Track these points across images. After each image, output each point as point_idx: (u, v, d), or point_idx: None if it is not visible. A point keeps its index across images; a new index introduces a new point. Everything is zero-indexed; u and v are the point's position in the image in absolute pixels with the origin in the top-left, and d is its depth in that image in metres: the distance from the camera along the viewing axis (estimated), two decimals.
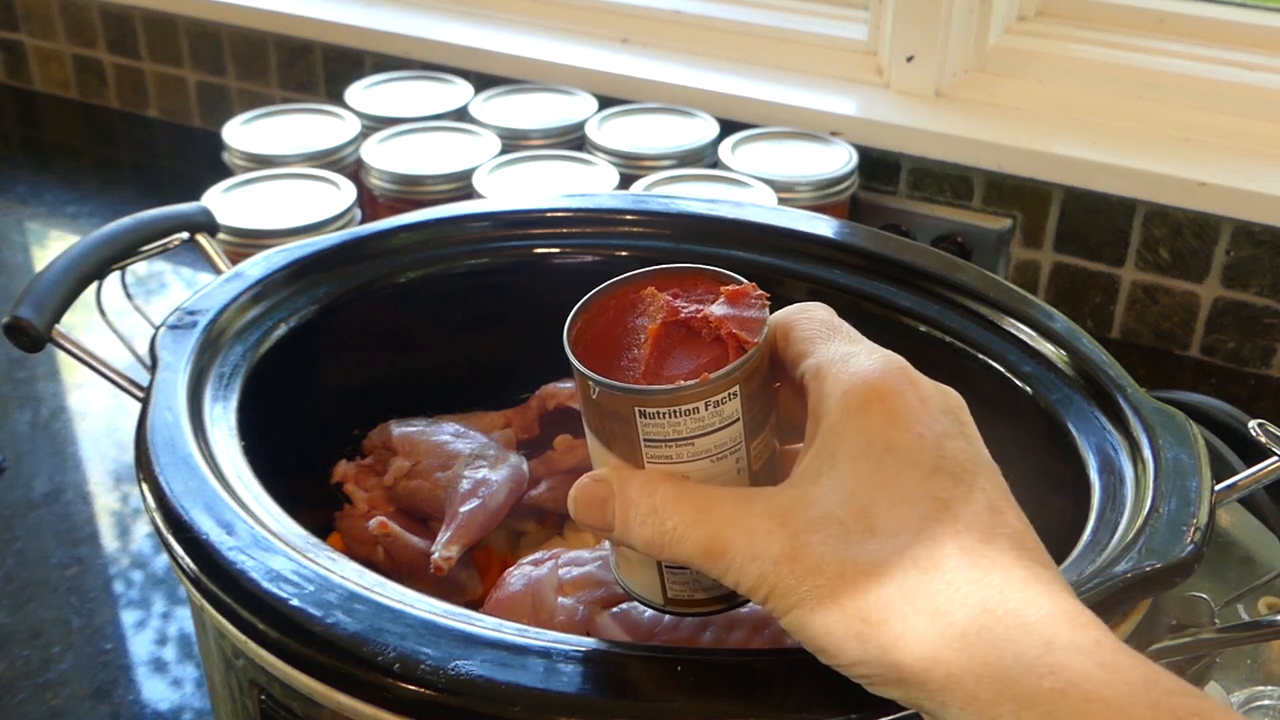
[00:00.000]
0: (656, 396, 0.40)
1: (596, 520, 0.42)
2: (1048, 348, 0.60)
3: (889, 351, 0.42)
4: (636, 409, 0.40)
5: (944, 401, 0.41)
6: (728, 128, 1.09)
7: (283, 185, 1.01)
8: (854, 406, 0.39)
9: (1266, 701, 0.64)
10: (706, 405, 0.40)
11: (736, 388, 0.41)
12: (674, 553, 0.41)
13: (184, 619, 0.80)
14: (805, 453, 0.41)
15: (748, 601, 0.43)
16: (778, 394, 0.44)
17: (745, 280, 0.43)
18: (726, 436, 0.41)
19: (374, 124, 1.11)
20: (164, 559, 0.84)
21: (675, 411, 0.40)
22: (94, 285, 0.64)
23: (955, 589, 0.37)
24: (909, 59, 1.13)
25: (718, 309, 0.42)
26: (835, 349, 0.42)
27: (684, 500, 0.40)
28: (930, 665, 0.36)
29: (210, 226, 0.70)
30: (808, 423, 0.41)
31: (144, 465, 0.51)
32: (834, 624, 0.38)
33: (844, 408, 0.40)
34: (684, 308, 0.43)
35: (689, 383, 0.40)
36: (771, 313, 0.43)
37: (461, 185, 1.01)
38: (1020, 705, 0.34)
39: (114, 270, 0.65)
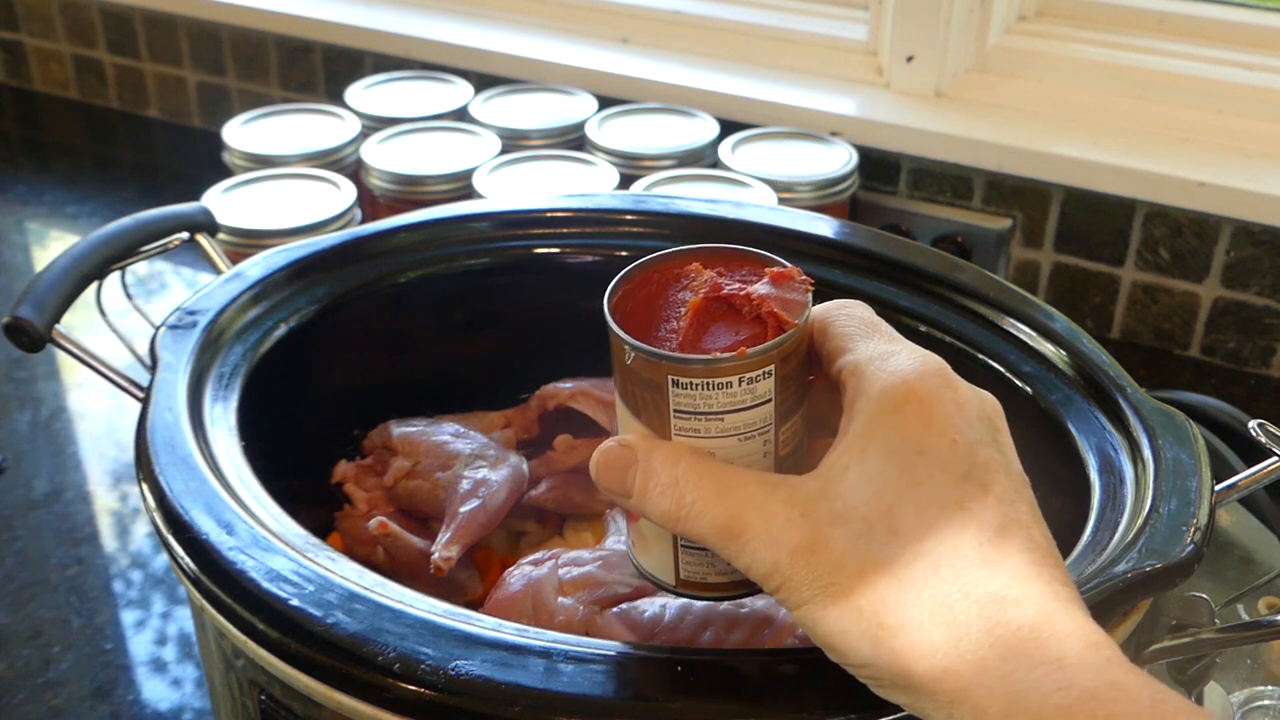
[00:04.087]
0: (692, 366, 0.40)
1: (616, 485, 0.42)
2: (1048, 348, 0.60)
3: (928, 353, 0.41)
4: (670, 377, 0.40)
5: (980, 407, 0.41)
6: (728, 128, 1.09)
7: (283, 185, 1.01)
8: (890, 405, 0.39)
9: (1266, 701, 0.64)
10: (740, 381, 0.40)
11: (772, 366, 0.40)
12: (689, 528, 0.40)
13: (184, 619, 0.80)
14: (836, 446, 0.40)
15: (760, 590, 0.43)
16: (811, 387, 0.44)
17: (790, 264, 0.43)
18: (757, 416, 0.41)
19: (374, 124, 1.11)
20: (164, 559, 0.84)
21: (709, 384, 0.40)
22: (94, 285, 0.64)
23: (973, 600, 0.37)
24: (909, 59, 1.13)
25: (761, 288, 0.42)
26: (875, 347, 0.41)
27: (706, 476, 0.40)
28: (941, 676, 0.36)
29: (210, 226, 0.70)
30: (842, 418, 0.41)
31: (144, 465, 0.51)
32: (849, 624, 0.37)
33: (879, 406, 0.39)
34: (727, 284, 0.43)
35: (725, 355, 0.40)
36: (815, 301, 0.43)
37: (461, 185, 1.01)
38: None
39: (114, 270, 0.65)
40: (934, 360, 0.41)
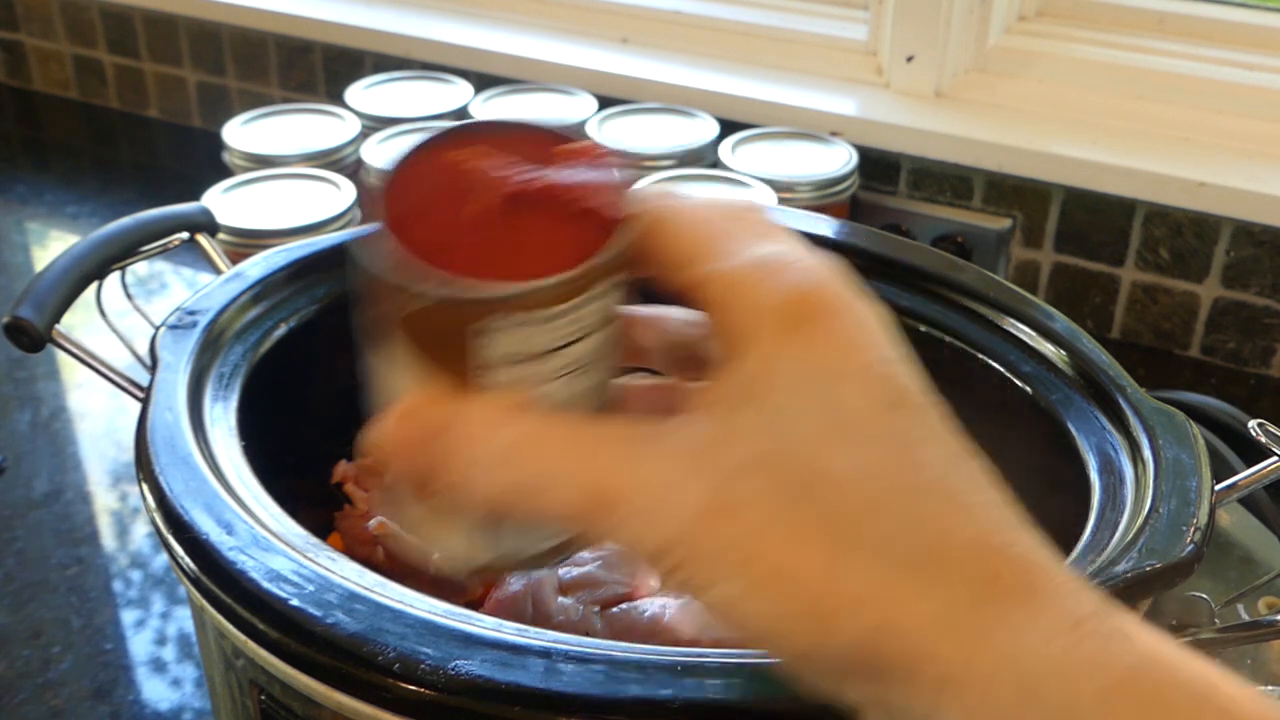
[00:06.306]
0: (506, 299, 0.30)
1: (419, 466, 0.32)
2: (1048, 348, 0.60)
3: (825, 255, 0.33)
4: (480, 318, 0.30)
5: (882, 316, 0.32)
6: (728, 128, 1.09)
7: (283, 185, 1.00)
8: (789, 323, 0.31)
9: None
10: (571, 306, 0.31)
11: (609, 280, 0.31)
12: (537, 504, 0.31)
13: (184, 619, 0.80)
14: (720, 378, 0.31)
15: (578, 550, 0.34)
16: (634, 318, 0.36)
17: (585, 137, 0.34)
18: (591, 346, 0.32)
19: (374, 124, 1.11)
20: (164, 559, 0.84)
21: (529, 318, 0.30)
22: (94, 285, 0.64)
23: (952, 553, 0.29)
24: (909, 59, 1.13)
25: (565, 175, 0.32)
26: (754, 250, 0.32)
27: (551, 436, 0.31)
28: (920, 657, 0.29)
29: (210, 226, 0.70)
30: (716, 343, 0.32)
31: (144, 465, 0.51)
32: (782, 604, 0.29)
33: (777, 325, 0.31)
34: (514, 177, 0.32)
35: (553, 279, 0.30)
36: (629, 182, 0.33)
37: None
38: (1026, 694, 0.29)
39: (114, 270, 0.65)
40: (832, 266, 0.32)
